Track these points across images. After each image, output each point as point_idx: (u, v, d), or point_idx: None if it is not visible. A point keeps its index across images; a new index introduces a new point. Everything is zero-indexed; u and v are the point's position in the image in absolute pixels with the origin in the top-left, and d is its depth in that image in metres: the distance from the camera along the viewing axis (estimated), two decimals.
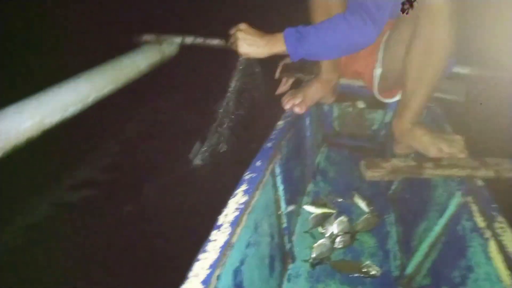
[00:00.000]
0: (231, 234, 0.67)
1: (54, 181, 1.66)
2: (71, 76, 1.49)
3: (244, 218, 0.74)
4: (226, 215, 0.72)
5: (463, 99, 1.32)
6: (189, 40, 1.96)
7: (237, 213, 0.72)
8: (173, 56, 2.08)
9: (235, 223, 0.69)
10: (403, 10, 0.90)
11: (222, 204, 0.75)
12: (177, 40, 1.97)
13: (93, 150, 1.87)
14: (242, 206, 0.74)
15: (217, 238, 0.65)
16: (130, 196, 1.57)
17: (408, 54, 0.99)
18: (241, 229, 0.72)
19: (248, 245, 0.79)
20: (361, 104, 1.69)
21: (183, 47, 2.06)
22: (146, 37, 1.95)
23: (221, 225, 0.69)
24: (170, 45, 2.01)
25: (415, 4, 0.87)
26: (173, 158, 1.74)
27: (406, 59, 1.01)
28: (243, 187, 0.80)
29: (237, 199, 0.77)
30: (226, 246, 0.64)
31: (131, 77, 1.73)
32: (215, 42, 1.92)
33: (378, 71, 1.21)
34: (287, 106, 1.21)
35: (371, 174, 0.88)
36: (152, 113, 2.26)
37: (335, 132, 1.75)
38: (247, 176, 0.84)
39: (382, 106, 1.63)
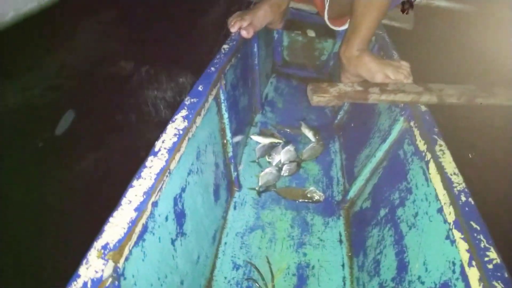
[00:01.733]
0: (168, 161, 0.62)
1: None
2: None
3: (184, 144, 0.69)
4: (163, 140, 0.66)
5: (411, 27, 1.31)
6: None
7: (175, 139, 0.67)
8: None
9: (173, 150, 0.65)
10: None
11: None
12: None
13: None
14: (182, 132, 0.69)
15: (153, 165, 0.61)
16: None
17: None
18: (181, 155, 0.68)
19: (189, 173, 0.75)
20: (311, 33, 1.63)
21: None
22: None
23: (158, 151, 0.64)
24: None
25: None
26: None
27: None
28: (183, 112, 0.75)
29: (176, 124, 0.71)
30: (163, 172, 0.60)
31: None
32: None
33: None
34: (233, 29, 1.13)
35: (317, 99, 0.86)
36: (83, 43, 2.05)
37: (284, 61, 1.70)
38: (187, 101, 0.78)
39: (332, 36, 1.59)
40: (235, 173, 1.07)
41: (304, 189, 1.10)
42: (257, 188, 1.10)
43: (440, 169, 0.70)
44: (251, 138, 1.27)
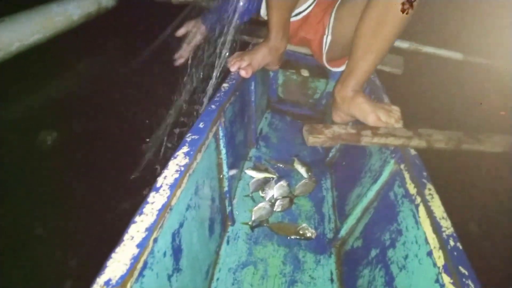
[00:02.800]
0: (170, 197, 0.64)
1: None
2: None
3: (185, 180, 0.71)
4: (165, 176, 0.69)
5: (401, 71, 1.38)
6: None
7: (177, 175, 0.70)
8: (110, 8, 1.92)
9: (174, 186, 0.67)
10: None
11: None
12: None
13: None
14: (183, 168, 0.72)
15: (155, 201, 0.63)
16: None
17: (361, 21, 0.99)
18: (181, 191, 0.70)
19: (188, 208, 0.77)
20: (305, 73, 1.70)
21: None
22: None
23: (160, 187, 0.66)
24: None
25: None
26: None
27: (358, 26, 1.01)
28: (185, 148, 0.77)
29: (178, 160, 0.73)
30: (165, 209, 0.62)
31: (61, 27, 1.57)
32: None
33: (328, 38, 1.21)
34: (233, 68, 1.18)
35: (312, 140, 0.89)
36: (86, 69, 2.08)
37: (279, 98, 1.76)
38: (189, 137, 0.81)
39: (325, 75, 1.66)
40: (230, 208, 1.09)
41: (297, 225, 1.12)
42: (250, 223, 1.11)
43: (430, 213, 0.73)
44: (245, 173, 1.30)
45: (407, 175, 0.86)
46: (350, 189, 1.13)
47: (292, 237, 1.09)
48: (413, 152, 0.92)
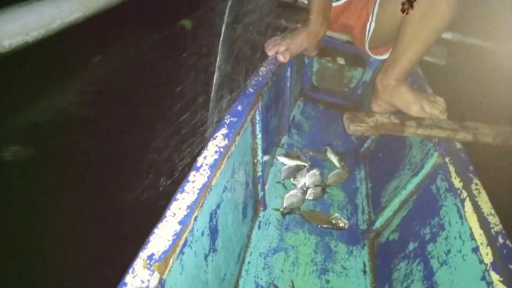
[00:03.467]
0: (210, 177, 0.64)
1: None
2: None
3: (224, 162, 0.71)
4: (205, 157, 0.68)
5: (445, 62, 1.32)
6: None
7: (216, 156, 0.69)
8: None
9: (214, 166, 0.66)
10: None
11: None
12: None
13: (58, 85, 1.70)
14: (222, 149, 0.71)
15: (196, 180, 0.62)
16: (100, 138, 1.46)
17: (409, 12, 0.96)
18: (220, 172, 0.69)
19: (224, 190, 0.77)
20: (341, 61, 1.66)
21: None
22: None
23: (200, 166, 0.65)
24: None
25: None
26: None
27: (405, 16, 0.97)
28: (223, 130, 0.77)
29: (217, 141, 0.73)
30: (205, 188, 0.62)
31: (100, 6, 1.59)
32: None
33: (372, 25, 1.17)
34: (271, 53, 1.15)
35: (354, 128, 0.87)
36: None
37: (312, 86, 1.72)
38: (227, 119, 0.80)
39: (362, 64, 1.61)
40: (262, 193, 1.08)
41: (329, 215, 1.10)
42: (281, 210, 1.10)
43: (476, 208, 0.70)
44: (277, 159, 1.28)
45: (452, 169, 0.82)
46: (386, 181, 1.10)
47: (324, 226, 1.07)
48: (458, 145, 0.88)
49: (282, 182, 1.21)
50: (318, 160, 1.33)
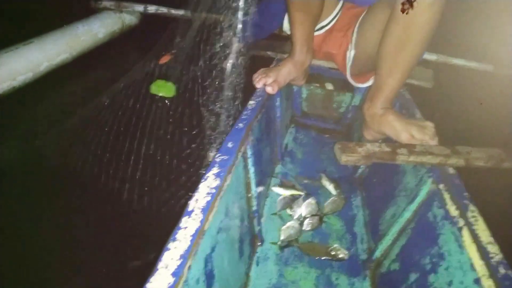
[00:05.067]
0: (203, 221, 0.62)
1: None
2: (20, 42, 1.34)
3: (216, 203, 0.69)
4: (197, 200, 0.67)
5: (431, 85, 1.34)
6: (151, 9, 1.84)
7: (208, 198, 0.68)
8: (133, 26, 1.95)
9: (207, 209, 0.65)
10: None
11: None
12: (139, 8, 1.84)
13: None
14: (214, 190, 0.70)
15: (188, 226, 0.61)
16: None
17: (384, 38, 0.97)
18: (213, 214, 0.68)
19: (219, 231, 0.75)
20: (329, 86, 1.68)
21: (145, 16, 1.94)
22: (105, 3, 1.81)
23: (192, 211, 0.64)
24: (131, 14, 1.88)
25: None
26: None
27: (381, 43, 0.99)
28: (215, 170, 0.76)
29: (208, 182, 0.72)
30: (198, 234, 0.60)
31: (87, 46, 1.61)
32: (180, 12, 1.81)
33: (351, 53, 1.19)
34: (259, 85, 1.16)
35: (345, 159, 0.86)
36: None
37: (303, 113, 1.73)
38: (218, 158, 0.80)
39: (350, 89, 1.63)
40: (258, 227, 1.06)
41: (328, 246, 1.08)
42: (279, 243, 1.08)
43: (475, 237, 0.69)
44: (272, 190, 1.27)
45: (446, 196, 0.82)
46: (383, 208, 1.09)
47: (323, 258, 1.05)
48: (451, 170, 0.87)
49: (278, 213, 1.19)
50: (313, 188, 1.32)
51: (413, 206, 0.92)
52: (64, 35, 1.50)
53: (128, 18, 1.86)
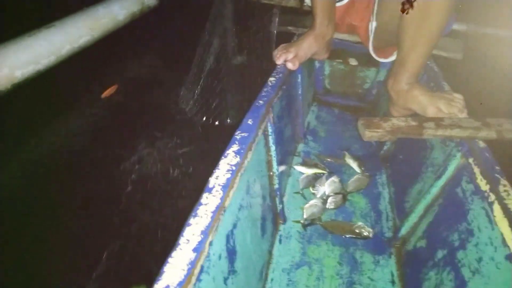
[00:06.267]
0: (223, 198, 0.62)
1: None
2: (42, 25, 1.36)
3: (237, 180, 0.69)
4: (217, 177, 0.66)
5: (461, 56, 1.27)
6: None
7: (228, 175, 0.67)
8: (152, 7, 1.94)
9: (227, 186, 0.65)
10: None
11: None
12: None
13: (68, 110, 1.70)
14: (234, 167, 0.69)
15: (209, 202, 0.61)
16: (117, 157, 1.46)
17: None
18: (233, 191, 0.67)
19: (240, 208, 0.75)
20: (353, 62, 1.62)
21: None
22: None
23: (213, 187, 0.64)
24: None
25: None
26: (159, 115, 1.63)
27: (401, 17, 0.93)
28: (235, 147, 0.75)
29: (229, 159, 0.71)
30: (218, 210, 0.60)
31: (108, 28, 1.61)
32: None
33: (373, 25, 1.13)
34: (279, 61, 1.14)
35: (370, 134, 0.83)
36: (133, 68, 2.11)
37: (325, 90, 1.69)
38: (238, 135, 0.79)
39: (375, 64, 1.57)
40: (280, 205, 1.05)
41: (352, 224, 1.06)
42: (302, 221, 1.07)
43: (507, 212, 0.66)
44: (294, 169, 1.26)
45: (477, 170, 0.78)
46: (409, 185, 1.06)
47: (348, 236, 1.04)
48: (482, 144, 0.83)
49: (301, 192, 1.18)
50: (337, 166, 1.30)
51: (441, 182, 0.89)
52: (85, 17, 1.51)
53: None
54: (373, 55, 1.23)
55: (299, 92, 1.33)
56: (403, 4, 0.84)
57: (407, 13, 0.85)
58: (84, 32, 1.42)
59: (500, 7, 1.47)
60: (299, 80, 1.31)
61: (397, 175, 1.21)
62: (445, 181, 0.88)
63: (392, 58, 1.18)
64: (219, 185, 0.65)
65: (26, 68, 1.16)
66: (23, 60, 1.16)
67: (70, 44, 1.35)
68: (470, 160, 0.81)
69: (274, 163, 0.99)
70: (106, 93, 1.51)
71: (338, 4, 1.18)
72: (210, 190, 0.63)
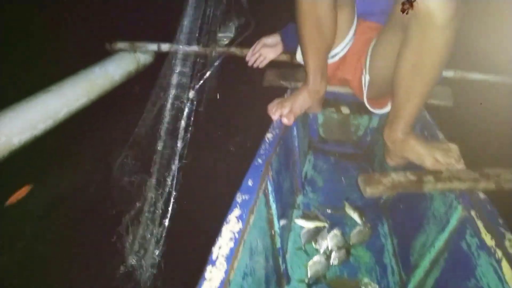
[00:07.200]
0: (228, 271, 0.60)
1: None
2: (39, 89, 1.38)
3: (240, 248, 0.67)
4: (220, 247, 0.65)
5: (451, 103, 1.30)
6: (165, 47, 1.87)
7: (232, 244, 0.66)
8: (148, 65, 1.99)
9: (230, 257, 0.63)
10: (403, 10, 0.85)
11: None
12: (153, 47, 1.87)
13: (64, 166, 1.69)
14: (237, 235, 0.68)
15: (213, 277, 0.59)
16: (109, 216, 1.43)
17: (398, 63, 0.95)
18: (237, 261, 0.66)
19: (244, 277, 0.72)
20: (345, 110, 1.66)
21: (159, 55, 1.97)
22: (120, 44, 1.85)
23: (216, 259, 0.62)
24: (145, 53, 1.92)
25: (415, 4, 0.81)
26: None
27: (396, 67, 0.96)
28: (236, 211, 0.74)
29: (231, 226, 0.70)
30: (224, 285, 0.58)
31: (104, 88, 1.63)
32: (193, 48, 1.84)
33: (366, 78, 1.17)
34: (275, 116, 1.15)
35: (371, 191, 0.83)
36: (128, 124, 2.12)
37: (320, 138, 1.71)
38: (239, 198, 0.78)
39: (368, 111, 1.59)
40: (284, 265, 1.03)
41: (358, 280, 1.04)
42: (306, 281, 1.04)
43: None
44: (295, 222, 1.24)
45: (480, 224, 0.77)
46: (412, 236, 1.04)
47: None
48: (482, 195, 0.83)
49: (303, 248, 1.16)
50: (337, 217, 1.28)
51: (444, 235, 0.88)
52: (82, 79, 1.53)
53: (143, 57, 1.90)
54: (368, 107, 1.26)
55: (296, 144, 1.35)
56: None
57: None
58: (81, 94, 1.44)
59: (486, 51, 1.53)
60: (295, 133, 1.32)
61: (399, 225, 1.19)
62: (448, 234, 0.87)
63: (387, 108, 1.21)
64: (222, 256, 0.63)
65: (24, 134, 1.16)
66: (20, 126, 1.16)
67: (67, 107, 1.36)
68: (472, 213, 0.81)
69: (275, 221, 0.98)
70: (13, 199, 1.28)
71: (330, 61, 1.22)
72: (213, 263, 0.61)
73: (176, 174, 1.21)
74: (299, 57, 1.28)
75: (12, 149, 1.14)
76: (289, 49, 1.40)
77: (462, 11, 0.81)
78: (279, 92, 1.37)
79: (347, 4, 1.10)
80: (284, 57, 1.51)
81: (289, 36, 1.35)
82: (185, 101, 1.25)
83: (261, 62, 1.42)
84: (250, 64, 1.43)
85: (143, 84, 1.93)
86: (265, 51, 1.41)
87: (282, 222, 1.10)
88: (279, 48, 1.42)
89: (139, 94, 1.86)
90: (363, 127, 1.64)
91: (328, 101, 1.60)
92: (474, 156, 1.00)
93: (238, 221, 0.71)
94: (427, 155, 0.94)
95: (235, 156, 1.67)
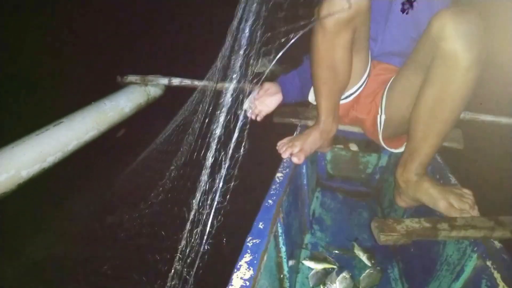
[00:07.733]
0: None
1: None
2: (49, 121, 1.40)
3: None
4: None
5: (462, 146, 1.30)
6: (175, 81, 1.91)
7: None
8: (158, 97, 2.02)
9: None
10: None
11: None
12: (164, 81, 1.91)
13: (73, 200, 1.67)
14: (248, 283, 0.66)
15: None
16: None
17: (418, 102, 0.95)
18: None
19: None
20: (354, 147, 1.66)
21: (169, 88, 2.01)
22: (131, 78, 1.89)
23: None
24: (156, 86, 1.95)
25: (440, 44, 0.82)
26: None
27: (415, 106, 0.96)
28: (247, 257, 0.72)
29: (242, 273, 0.68)
30: None
31: (114, 121, 1.65)
32: (202, 83, 1.87)
33: (382, 118, 1.17)
34: (285, 155, 1.15)
35: (385, 238, 0.82)
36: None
37: (328, 175, 1.70)
38: (250, 242, 0.76)
39: (376, 149, 1.60)
40: None
41: None
42: None
43: None
44: (303, 264, 1.21)
45: (497, 275, 0.75)
46: (424, 282, 1.01)
47: None
48: (498, 244, 0.81)
49: None
50: (346, 259, 1.25)
51: (459, 284, 0.85)
52: (92, 112, 1.55)
53: (153, 90, 1.93)
54: (384, 146, 1.25)
55: (304, 182, 1.34)
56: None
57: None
58: (91, 127, 1.46)
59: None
60: (304, 170, 1.32)
61: (409, 270, 1.16)
62: (463, 283, 0.85)
63: (401, 149, 1.21)
64: None
65: (32, 167, 1.17)
66: (29, 159, 1.17)
67: (77, 140, 1.37)
68: (488, 263, 0.78)
69: (285, 265, 0.95)
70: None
71: (343, 101, 1.22)
72: None
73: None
74: (311, 98, 1.29)
75: (20, 182, 1.14)
76: (287, 101, 1.36)
77: (486, 54, 0.82)
78: (289, 129, 1.38)
79: (363, 48, 1.12)
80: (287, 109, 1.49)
81: (287, 88, 1.33)
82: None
83: (257, 116, 1.32)
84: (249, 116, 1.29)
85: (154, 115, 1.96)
86: (262, 105, 1.32)
87: (290, 262, 1.07)
88: (280, 97, 1.34)
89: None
90: (371, 165, 1.64)
91: (336, 138, 1.60)
92: (487, 201, 0.99)
93: (248, 268, 0.70)
94: (441, 199, 0.93)
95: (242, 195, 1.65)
